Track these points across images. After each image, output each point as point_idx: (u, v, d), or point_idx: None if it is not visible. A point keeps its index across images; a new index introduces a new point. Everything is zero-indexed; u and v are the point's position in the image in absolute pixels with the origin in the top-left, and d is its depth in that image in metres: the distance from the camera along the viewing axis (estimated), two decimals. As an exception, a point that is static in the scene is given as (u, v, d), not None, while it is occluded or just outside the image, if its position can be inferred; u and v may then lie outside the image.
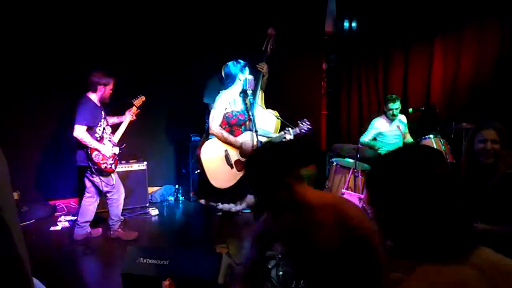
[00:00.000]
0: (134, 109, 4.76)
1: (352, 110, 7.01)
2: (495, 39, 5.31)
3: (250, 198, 3.96)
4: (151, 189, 6.02)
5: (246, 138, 3.92)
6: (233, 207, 3.94)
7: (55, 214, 5.56)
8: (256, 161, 1.87)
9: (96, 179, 4.46)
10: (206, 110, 5.38)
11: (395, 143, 5.53)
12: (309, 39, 6.71)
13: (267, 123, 4.69)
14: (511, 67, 5.16)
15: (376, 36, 6.60)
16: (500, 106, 5.18)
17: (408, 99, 6.14)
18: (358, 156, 4.77)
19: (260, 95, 5.20)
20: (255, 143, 3.82)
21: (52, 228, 5.05)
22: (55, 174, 5.74)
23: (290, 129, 3.88)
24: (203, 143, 3.88)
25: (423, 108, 5.66)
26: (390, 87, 6.50)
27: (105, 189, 4.54)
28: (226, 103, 3.86)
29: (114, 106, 4.76)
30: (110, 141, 4.53)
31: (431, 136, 4.84)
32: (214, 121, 3.82)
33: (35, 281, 1.28)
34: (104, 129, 4.51)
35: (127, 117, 4.73)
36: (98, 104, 4.45)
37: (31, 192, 5.49)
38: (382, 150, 5.43)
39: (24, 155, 5.48)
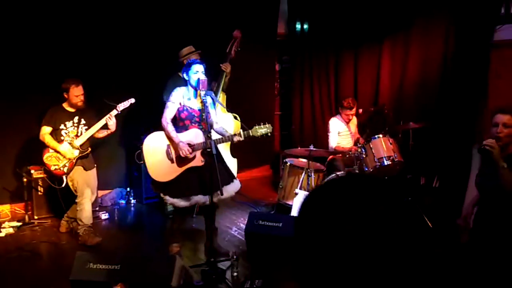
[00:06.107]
0: (113, 113, 4.63)
1: (304, 111, 7.10)
2: (439, 39, 5.47)
3: (200, 198, 3.93)
4: (101, 192, 5.82)
5: (189, 137, 3.89)
6: (178, 202, 3.91)
7: (-1, 220, 5.29)
8: None
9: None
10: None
11: (347, 142, 5.67)
12: (262, 40, 6.74)
13: (225, 123, 4.71)
14: (455, 67, 5.36)
15: (327, 37, 6.72)
16: (445, 106, 5.40)
17: (358, 100, 6.30)
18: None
19: (221, 96, 5.19)
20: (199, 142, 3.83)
21: (-5, 235, 4.81)
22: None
23: (242, 131, 3.87)
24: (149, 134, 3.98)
25: (372, 109, 5.84)
26: (341, 88, 6.65)
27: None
28: (180, 97, 3.92)
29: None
30: (69, 143, 4.55)
31: (380, 135, 4.99)
32: (165, 113, 3.90)
33: None
34: (68, 132, 4.58)
35: (100, 122, 4.63)
36: (71, 110, 4.62)
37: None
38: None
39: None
